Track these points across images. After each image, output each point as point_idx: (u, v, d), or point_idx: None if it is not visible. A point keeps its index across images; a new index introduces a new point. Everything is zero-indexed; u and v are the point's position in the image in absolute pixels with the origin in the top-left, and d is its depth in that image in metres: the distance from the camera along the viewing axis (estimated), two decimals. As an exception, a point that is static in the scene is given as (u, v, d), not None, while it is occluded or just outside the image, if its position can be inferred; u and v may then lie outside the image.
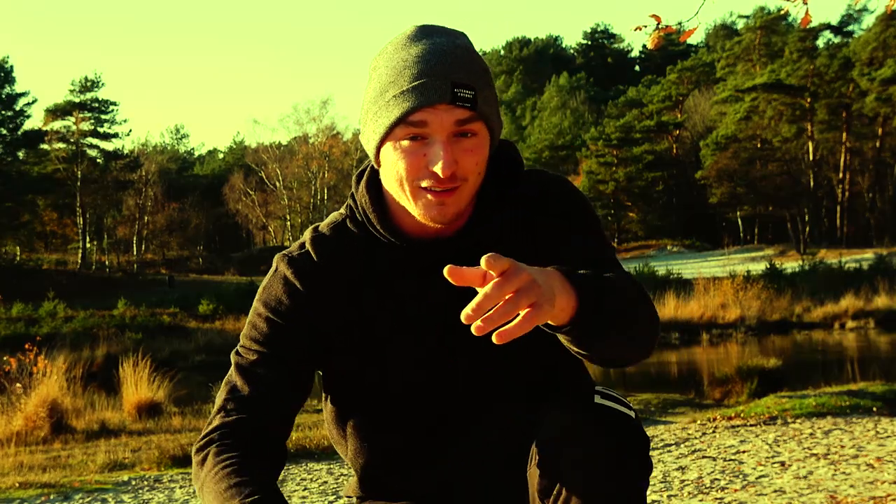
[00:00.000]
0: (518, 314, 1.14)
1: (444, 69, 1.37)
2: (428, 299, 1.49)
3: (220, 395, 1.51)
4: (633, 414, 1.39)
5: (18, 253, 55.29)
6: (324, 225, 1.56)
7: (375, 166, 1.50)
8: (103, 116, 55.95)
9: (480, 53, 1.47)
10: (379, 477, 1.56)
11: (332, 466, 6.20)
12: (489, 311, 1.12)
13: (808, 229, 50.21)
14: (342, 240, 1.52)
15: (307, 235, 1.55)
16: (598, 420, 1.34)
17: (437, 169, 1.36)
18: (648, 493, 4.60)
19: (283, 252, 1.55)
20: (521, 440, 1.43)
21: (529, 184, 1.54)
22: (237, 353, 1.52)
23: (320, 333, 1.50)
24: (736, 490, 4.55)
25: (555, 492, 1.35)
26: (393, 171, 1.41)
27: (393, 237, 1.48)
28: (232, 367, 1.52)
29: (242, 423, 1.46)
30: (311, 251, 1.52)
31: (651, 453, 6.01)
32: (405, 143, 1.39)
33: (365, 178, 1.53)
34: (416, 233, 1.48)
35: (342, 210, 1.57)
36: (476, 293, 1.34)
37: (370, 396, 1.51)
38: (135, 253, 58.95)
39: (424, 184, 1.39)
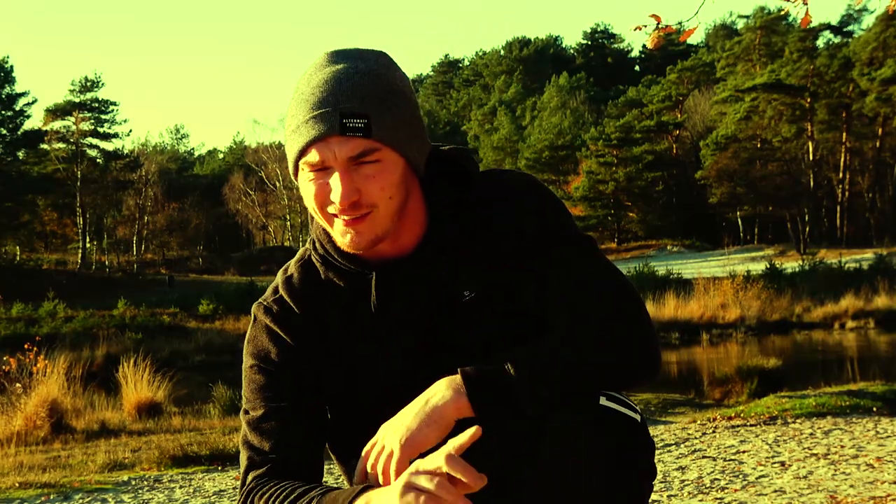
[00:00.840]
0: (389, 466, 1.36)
1: (333, 99, 1.36)
2: (396, 320, 1.48)
3: (242, 458, 1.52)
4: (638, 417, 1.39)
5: (18, 253, 55.27)
6: (292, 264, 1.58)
7: None
8: (103, 116, 55.94)
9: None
10: None
11: (331, 466, 6.20)
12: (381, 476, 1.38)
13: (808, 229, 50.20)
14: (310, 277, 1.54)
15: (279, 279, 1.58)
16: (601, 422, 1.34)
17: (335, 199, 1.37)
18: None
19: (259, 300, 1.58)
20: (520, 444, 1.43)
21: (486, 187, 1.51)
22: (245, 412, 1.53)
23: (311, 375, 1.52)
24: (736, 490, 4.55)
25: (555, 494, 1.35)
26: (307, 199, 1.43)
27: (352, 264, 1.48)
28: (244, 428, 1.53)
29: (276, 469, 1.47)
30: (283, 295, 1.54)
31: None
32: (312, 174, 1.39)
33: None
34: (373, 256, 1.47)
35: (307, 244, 1.57)
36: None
37: (359, 425, 1.51)
38: (135, 253, 58.93)
39: (332, 210, 1.40)
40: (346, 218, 1.39)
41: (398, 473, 1.35)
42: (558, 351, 1.37)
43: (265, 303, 1.56)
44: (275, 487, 1.43)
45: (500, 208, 1.48)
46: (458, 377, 1.38)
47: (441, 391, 1.38)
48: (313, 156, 1.37)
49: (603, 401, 1.36)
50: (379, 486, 1.38)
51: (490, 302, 1.47)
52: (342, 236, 1.41)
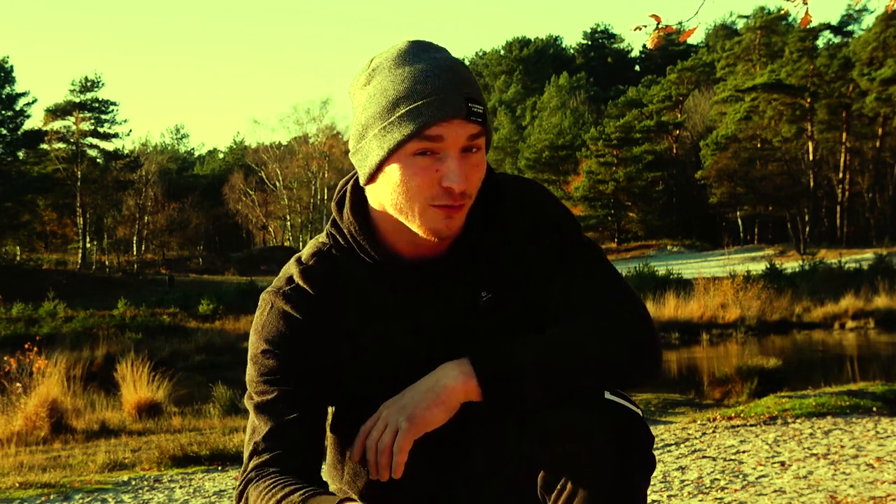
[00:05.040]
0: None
1: (456, 84, 1.37)
2: (421, 319, 1.48)
3: (247, 443, 1.48)
4: (639, 412, 1.41)
5: (18, 253, 55.24)
6: (306, 256, 1.53)
7: (365, 184, 1.46)
8: (103, 116, 55.90)
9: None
10: (379, 498, 1.54)
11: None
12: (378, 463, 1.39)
13: (808, 229, 50.20)
14: (330, 268, 1.50)
15: (294, 269, 1.51)
16: (604, 415, 1.36)
17: (453, 184, 1.36)
18: (648, 492, 4.60)
19: (271, 289, 1.51)
20: (524, 449, 1.44)
21: (508, 195, 1.53)
22: (250, 397, 1.49)
23: (324, 361, 1.48)
24: (736, 490, 4.55)
25: (559, 486, 1.37)
26: (400, 188, 1.39)
27: (384, 260, 1.47)
28: (251, 413, 1.48)
29: (279, 458, 1.43)
30: (302, 284, 1.49)
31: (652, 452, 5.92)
32: (417, 158, 1.37)
33: (348, 203, 1.50)
34: (407, 254, 1.47)
35: (321, 238, 1.54)
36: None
37: (360, 414, 1.48)
38: (135, 253, 58.91)
39: (436, 202, 1.38)
40: (447, 205, 1.38)
41: (404, 451, 1.36)
42: (568, 343, 1.40)
43: (281, 290, 1.50)
44: (269, 481, 1.39)
45: (519, 215, 1.52)
46: (466, 360, 1.40)
47: (451, 372, 1.39)
48: (436, 135, 1.35)
49: (607, 395, 1.40)
50: (375, 463, 1.39)
51: (506, 304, 1.50)
52: (434, 222, 1.39)
